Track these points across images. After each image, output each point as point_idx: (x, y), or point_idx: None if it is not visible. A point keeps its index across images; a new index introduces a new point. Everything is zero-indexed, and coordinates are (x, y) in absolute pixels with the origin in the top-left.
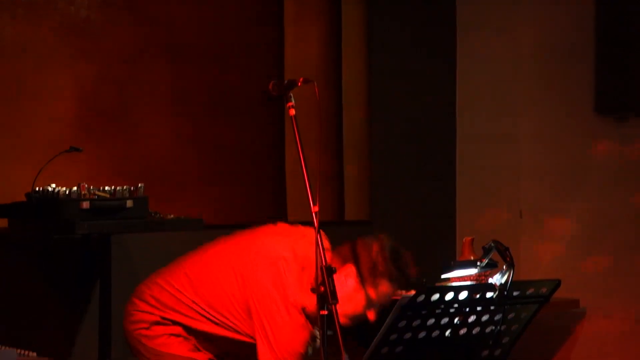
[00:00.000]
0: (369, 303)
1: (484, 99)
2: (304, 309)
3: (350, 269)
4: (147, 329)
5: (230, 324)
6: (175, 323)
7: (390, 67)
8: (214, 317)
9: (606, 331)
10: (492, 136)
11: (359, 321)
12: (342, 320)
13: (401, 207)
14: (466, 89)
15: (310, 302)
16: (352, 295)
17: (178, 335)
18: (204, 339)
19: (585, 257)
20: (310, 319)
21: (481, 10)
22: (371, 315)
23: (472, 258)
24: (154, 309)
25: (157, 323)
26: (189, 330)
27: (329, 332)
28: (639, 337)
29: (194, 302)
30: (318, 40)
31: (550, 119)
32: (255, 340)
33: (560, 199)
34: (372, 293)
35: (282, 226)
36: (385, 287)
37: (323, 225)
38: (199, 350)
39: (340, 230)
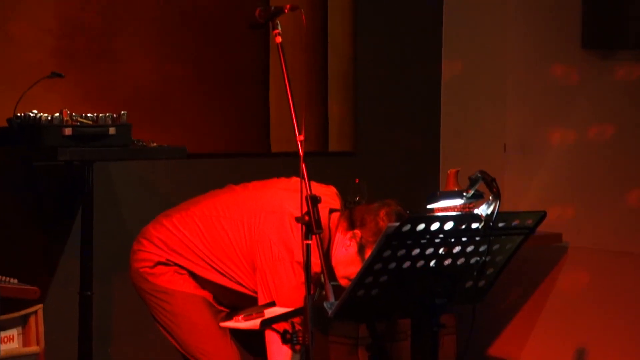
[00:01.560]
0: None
1: (471, 29)
2: None
3: (357, 233)
4: (151, 267)
5: (236, 277)
6: (180, 267)
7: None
8: (220, 267)
9: (588, 266)
10: (478, 68)
11: None
12: (343, 281)
13: (385, 139)
14: (453, 19)
15: (315, 262)
16: (354, 258)
17: (182, 274)
18: (208, 286)
19: (568, 191)
20: (314, 279)
21: None
22: None
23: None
24: (160, 250)
25: (163, 263)
26: (194, 275)
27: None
28: (621, 271)
29: (201, 250)
30: None
31: (537, 53)
32: (257, 294)
33: (545, 133)
34: None
35: (295, 181)
36: None
37: (307, 156)
38: (204, 289)
39: (323, 161)
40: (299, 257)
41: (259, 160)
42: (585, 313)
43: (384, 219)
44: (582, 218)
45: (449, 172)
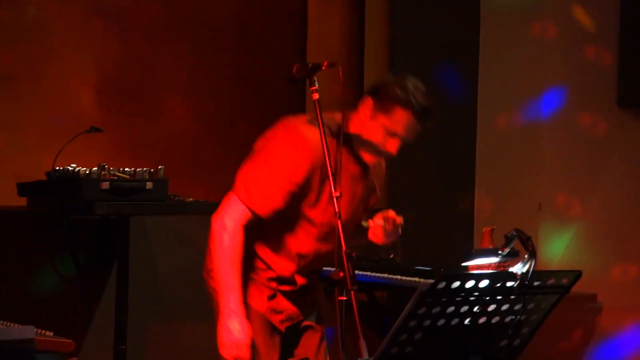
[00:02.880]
0: (386, 131)
1: (506, 88)
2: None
3: (367, 99)
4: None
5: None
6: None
7: (413, 56)
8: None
9: (622, 327)
10: (513, 128)
11: (381, 155)
12: (368, 158)
13: (420, 197)
14: (488, 78)
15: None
16: (368, 125)
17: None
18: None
19: (604, 253)
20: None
21: (504, 6)
22: (391, 147)
23: None
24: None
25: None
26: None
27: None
28: None
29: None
30: (341, 22)
31: (573, 112)
32: None
33: (579, 194)
34: (385, 119)
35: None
36: (398, 113)
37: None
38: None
39: None
40: (296, 180)
41: None
42: None
43: (391, 82)
44: (616, 278)
45: (484, 230)
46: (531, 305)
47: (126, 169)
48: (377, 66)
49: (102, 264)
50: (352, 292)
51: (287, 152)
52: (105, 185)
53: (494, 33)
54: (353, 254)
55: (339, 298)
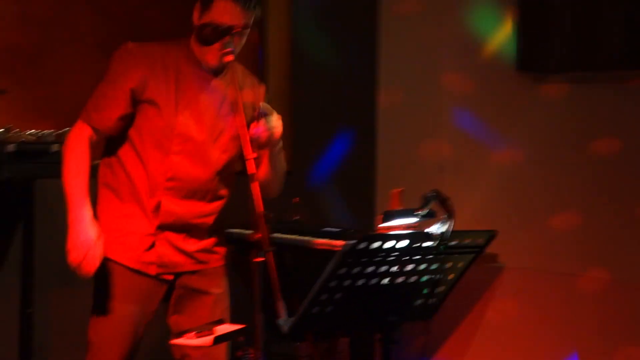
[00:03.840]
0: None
1: (406, 54)
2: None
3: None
4: None
5: None
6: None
7: (314, 22)
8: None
9: (523, 287)
10: (415, 90)
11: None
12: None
13: (322, 159)
14: (389, 44)
15: None
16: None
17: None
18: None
19: (504, 211)
20: None
21: None
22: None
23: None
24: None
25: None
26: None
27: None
28: (555, 291)
29: None
30: None
31: (473, 77)
32: None
33: (479, 153)
34: (211, 16)
35: None
36: (218, 4)
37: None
38: None
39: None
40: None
41: None
42: (520, 333)
43: None
44: (516, 239)
45: (393, 191)
46: (448, 265)
47: (32, 131)
48: (279, 24)
49: (6, 228)
50: (270, 254)
51: (116, 63)
52: (11, 147)
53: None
54: (270, 215)
55: (255, 260)
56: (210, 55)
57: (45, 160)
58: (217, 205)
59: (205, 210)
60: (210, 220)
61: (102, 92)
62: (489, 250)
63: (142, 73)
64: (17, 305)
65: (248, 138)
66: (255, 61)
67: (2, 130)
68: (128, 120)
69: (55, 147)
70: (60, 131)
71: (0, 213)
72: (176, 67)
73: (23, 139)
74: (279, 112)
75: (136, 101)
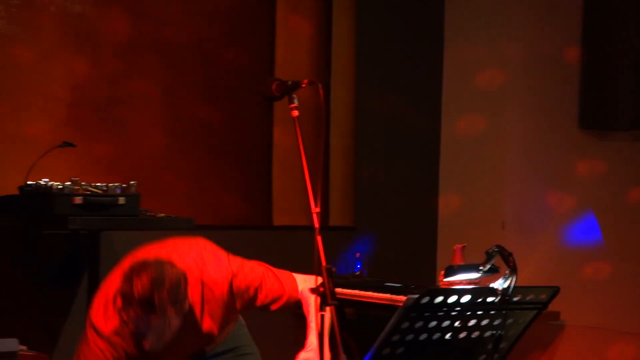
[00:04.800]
0: None
1: (469, 111)
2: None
3: None
4: None
5: None
6: None
7: (378, 75)
8: None
9: (584, 345)
10: (477, 145)
11: None
12: None
13: (385, 214)
14: (452, 101)
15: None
16: None
17: None
18: None
19: (566, 269)
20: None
21: (470, 20)
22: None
23: None
24: None
25: None
26: None
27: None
28: (619, 350)
29: None
30: (309, 41)
31: (535, 133)
32: None
33: (541, 210)
34: None
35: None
36: None
37: (308, 230)
38: None
39: (325, 235)
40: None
41: (262, 232)
42: None
43: None
44: (579, 296)
45: (455, 247)
46: (510, 321)
47: (98, 184)
48: (344, 85)
49: (72, 279)
50: (332, 307)
51: (91, 352)
52: (79, 200)
53: (459, 47)
54: (332, 269)
55: (320, 313)
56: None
57: (112, 213)
58: None
59: None
60: None
61: None
62: (551, 307)
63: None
64: None
65: (310, 189)
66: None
67: (69, 182)
68: None
69: (121, 200)
70: (126, 185)
71: (66, 264)
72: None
73: (90, 192)
74: (341, 169)
75: None
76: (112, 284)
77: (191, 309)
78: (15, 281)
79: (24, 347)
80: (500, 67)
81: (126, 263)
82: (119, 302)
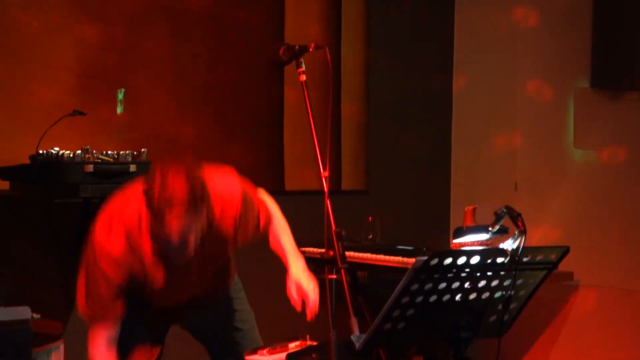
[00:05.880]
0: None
1: (480, 75)
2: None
3: None
4: None
5: None
6: None
7: (389, 37)
8: None
9: (598, 304)
10: (489, 108)
11: None
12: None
13: (397, 178)
14: (463, 67)
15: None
16: None
17: None
18: None
19: (579, 229)
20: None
21: None
22: None
23: None
24: None
25: None
26: None
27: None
28: (631, 309)
29: None
30: (318, 3)
31: (549, 93)
32: None
33: (554, 173)
34: None
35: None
36: None
37: (322, 194)
38: None
39: (337, 199)
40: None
41: (274, 198)
42: (595, 352)
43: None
44: (592, 256)
45: (466, 209)
46: (520, 281)
47: (109, 152)
48: (354, 47)
49: (84, 246)
50: (342, 271)
51: (99, 272)
52: (89, 168)
53: (470, 7)
54: (342, 233)
55: (329, 276)
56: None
57: (123, 180)
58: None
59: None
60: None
61: (96, 297)
62: (564, 268)
63: (124, 269)
64: None
65: (319, 153)
66: (329, 83)
67: (80, 151)
68: None
69: (132, 168)
70: (137, 152)
71: (78, 232)
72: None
73: (101, 160)
74: (354, 134)
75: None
76: (117, 206)
77: (209, 222)
78: (28, 250)
79: (37, 315)
80: (511, 29)
81: (130, 189)
82: (145, 209)
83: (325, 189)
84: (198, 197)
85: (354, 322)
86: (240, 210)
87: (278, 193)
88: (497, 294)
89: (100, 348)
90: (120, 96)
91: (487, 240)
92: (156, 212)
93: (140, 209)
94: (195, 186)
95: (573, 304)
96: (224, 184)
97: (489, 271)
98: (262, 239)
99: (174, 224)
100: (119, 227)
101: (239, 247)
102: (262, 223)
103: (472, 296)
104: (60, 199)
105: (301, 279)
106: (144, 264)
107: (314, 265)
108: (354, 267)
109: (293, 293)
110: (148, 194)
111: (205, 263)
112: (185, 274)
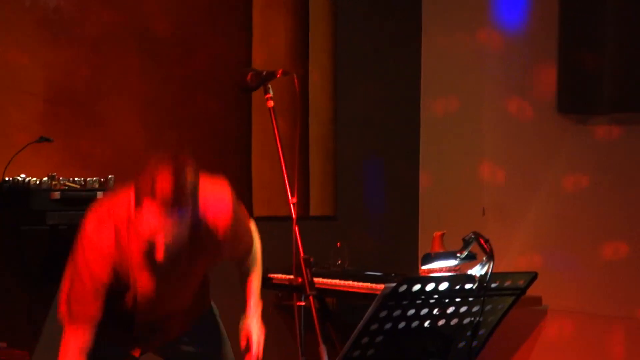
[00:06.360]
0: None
1: (447, 99)
2: None
3: None
4: None
5: None
6: None
7: (357, 64)
8: None
9: (567, 329)
10: (454, 134)
11: None
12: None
13: (365, 203)
14: (431, 88)
15: None
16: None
17: None
18: None
19: (547, 253)
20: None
21: (446, 9)
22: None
23: None
24: None
25: None
26: None
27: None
28: (597, 333)
29: None
30: (286, 30)
31: (513, 119)
32: None
33: (521, 197)
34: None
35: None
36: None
37: (286, 220)
38: None
39: (305, 225)
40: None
41: None
42: None
43: None
44: (560, 281)
45: (434, 234)
46: (488, 307)
47: (76, 179)
48: (322, 70)
49: (53, 274)
50: (311, 298)
51: (84, 268)
52: (56, 195)
53: (436, 32)
54: (311, 259)
55: (298, 303)
56: None
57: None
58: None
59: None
60: None
61: (79, 295)
62: (533, 292)
63: (111, 266)
64: None
65: (287, 179)
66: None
67: (47, 178)
68: None
69: (99, 194)
70: (104, 179)
71: (46, 259)
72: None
73: (68, 187)
74: (322, 158)
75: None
76: (108, 202)
77: (195, 231)
78: None
79: (4, 344)
80: (477, 52)
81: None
82: (133, 203)
83: (294, 215)
84: (184, 198)
85: (322, 349)
86: (231, 222)
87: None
88: (466, 320)
89: (73, 355)
90: None
91: (456, 266)
92: (139, 204)
93: (130, 205)
94: (184, 186)
95: (542, 328)
96: (217, 193)
97: (458, 297)
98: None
99: (153, 219)
100: (109, 222)
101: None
102: (246, 247)
103: (441, 322)
104: (27, 226)
105: (252, 325)
106: (130, 264)
107: (283, 292)
108: (323, 294)
109: (241, 332)
110: (136, 186)
111: (191, 273)
112: (170, 281)
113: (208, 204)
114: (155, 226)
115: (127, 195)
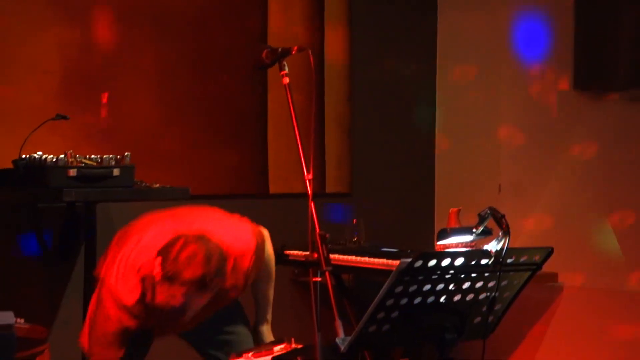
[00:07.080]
0: None
1: (464, 76)
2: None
3: None
4: None
5: None
6: None
7: (373, 39)
8: None
9: (582, 305)
10: (472, 110)
11: None
12: None
13: (381, 180)
14: (447, 67)
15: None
16: None
17: None
18: None
19: (563, 230)
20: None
21: None
22: None
23: None
24: None
25: None
26: None
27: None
28: (616, 309)
29: None
30: (301, 6)
31: (531, 96)
32: None
33: (537, 173)
34: None
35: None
36: None
37: (302, 197)
38: None
39: (321, 201)
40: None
41: (258, 201)
42: (580, 352)
43: None
44: (576, 257)
45: (450, 210)
46: (504, 283)
47: (92, 156)
48: (338, 46)
49: (70, 251)
50: (327, 273)
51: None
52: (73, 172)
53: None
54: (327, 235)
55: (314, 279)
56: None
57: (107, 184)
58: None
59: None
60: None
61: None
62: (549, 269)
63: None
64: (80, 327)
65: (303, 156)
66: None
67: (63, 155)
68: None
69: (116, 172)
70: (120, 156)
71: (63, 236)
72: None
73: (84, 164)
74: (338, 136)
75: None
76: (132, 253)
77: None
78: (12, 255)
79: (21, 320)
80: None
81: (147, 235)
82: (158, 280)
83: (310, 192)
84: (209, 278)
85: (338, 324)
86: (253, 263)
87: (262, 197)
88: (482, 296)
89: None
90: None
91: (471, 241)
92: (164, 277)
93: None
94: (211, 267)
95: (558, 305)
96: (239, 240)
97: (473, 273)
98: None
99: (174, 297)
100: (133, 274)
101: None
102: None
103: (457, 298)
104: (44, 203)
105: (268, 332)
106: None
107: (299, 268)
108: (339, 270)
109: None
110: (163, 255)
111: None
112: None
113: (231, 254)
114: (181, 303)
115: (151, 247)
